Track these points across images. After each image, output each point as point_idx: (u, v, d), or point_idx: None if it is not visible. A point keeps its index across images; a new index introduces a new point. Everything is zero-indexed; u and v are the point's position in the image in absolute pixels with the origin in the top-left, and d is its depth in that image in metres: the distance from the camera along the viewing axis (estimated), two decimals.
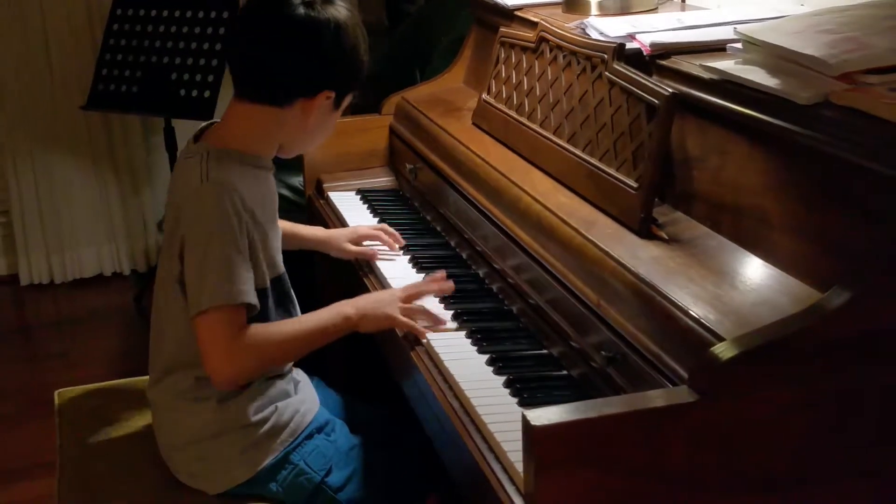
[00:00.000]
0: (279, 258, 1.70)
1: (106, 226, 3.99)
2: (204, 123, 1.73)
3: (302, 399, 1.74)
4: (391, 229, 1.99)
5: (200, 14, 3.28)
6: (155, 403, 1.73)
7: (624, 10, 1.97)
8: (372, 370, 2.08)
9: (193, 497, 1.69)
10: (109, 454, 1.81)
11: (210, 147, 1.63)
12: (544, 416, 1.11)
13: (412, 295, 1.71)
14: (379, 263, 1.93)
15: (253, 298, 1.58)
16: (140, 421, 1.86)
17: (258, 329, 1.61)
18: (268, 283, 1.65)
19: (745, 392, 1.12)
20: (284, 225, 1.89)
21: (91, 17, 3.71)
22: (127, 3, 3.40)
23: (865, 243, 1.17)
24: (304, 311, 1.73)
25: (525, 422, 1.11)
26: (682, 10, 2.06)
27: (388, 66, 3.17)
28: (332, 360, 2.38)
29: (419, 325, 1.65)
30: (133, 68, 3.35)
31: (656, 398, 1.14)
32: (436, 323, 1.66)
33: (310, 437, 1.71)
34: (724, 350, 1.13)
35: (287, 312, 1.71)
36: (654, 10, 2.00)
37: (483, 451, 1.33)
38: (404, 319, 1.66)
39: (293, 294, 1.75)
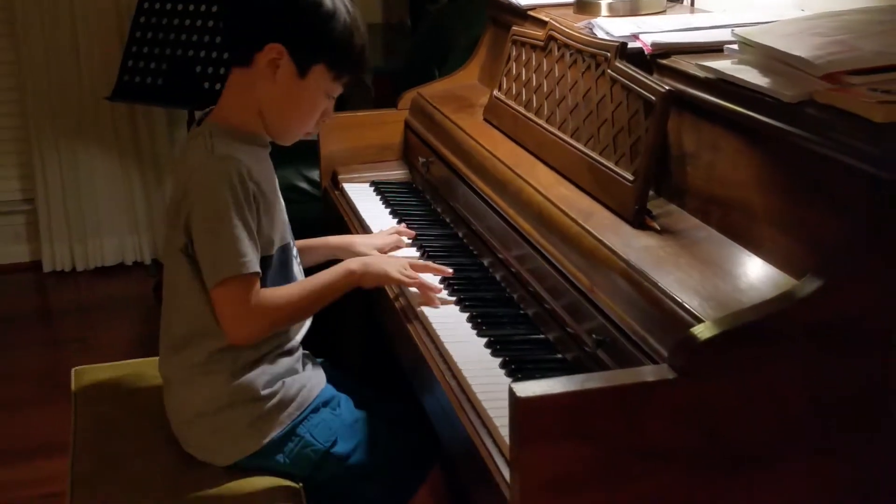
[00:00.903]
0: (287, 227, 1.82)
1: (128, 215, 4.11)
2: (206, 109, 1.83)
3: (309, 375, 1.84)
4: (407, 230, 2.07)
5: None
6: (167, 378, 1.82)
7: (633, 12, 2.05)
8: (385, 363, 2.16)
9: (204, 471, 1.77)
10: (123, 431, 1.89)
11: (212, 125, 1.73)
12: (530, 388, 1.19)
13: (416, 265, 1.83)
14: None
15: (256, 267, 1.69)
16: (154, 398, 1.95)
17: (269, 292, 1.72)
18: (273, 251, 1.75)
19: (721, 371, 1.20)
20: (307, 241, 1.99)
21: (119, 8, 3.83)
22: None
23: (840, 235, 1.25)
24: None
25: (512, 394, 1.19)
26: (691, 12, 2.15)
27: (409, 64, 3.27)
28: (348, 347, 2.48)
29: (414, 287, 1.77)
30: (159, 61, 3.46)
31: (636, 374, 1.22)
32: (433, 290, 1.78)
33: (316, 410, 1.81)
34: (701, 331, 1.21)
35: (285, 280, 1.79)
36: (662, 12, 2.08)
37: (476, 426, 1.42)
38: (399, 276, 1.78)
39: (295, 265, 1.85)
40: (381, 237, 2.05)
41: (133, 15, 3.55)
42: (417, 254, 1.99)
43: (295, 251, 1.88)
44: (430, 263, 1.86)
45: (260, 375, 1.75)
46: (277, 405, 1.76)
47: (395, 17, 3.96)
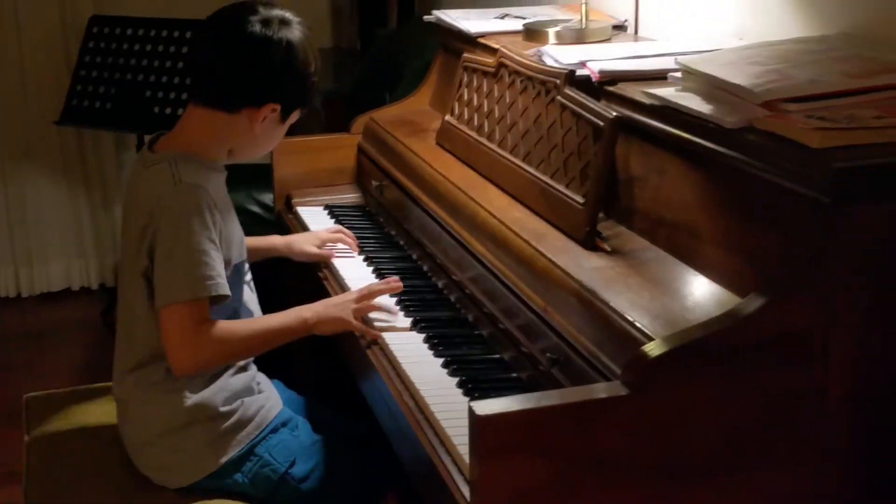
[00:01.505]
0: (241, 246, 1.88)
1: (75, 240, 4.10)
2: (154, 134, 1.89)
3: (267, 396, 1.88)
4: (348, 231, 2.18)
5: (175, 34, 3.42)
6: (124, 400, 1.84)
7: (579, 40, 2.12)
8: (337, 378, 2.20)
9: (159, 495, 1.80)
10: (76, 457, 1.91)
11: (175, 153, 1.78)
12: (488, 406, 1.24)
13: (364, 296, 1.86)
14: (336, 263, 2.10)
15: (226, 289, 1.74)
16: (107, 424, 1.96)
17: (221, 324, 1.76)
18: (230, 268, 1.80)
19: (671, 387, 1.26)
20: (249, 239, 2.03)
21: (66, 33, 3.84)
22: (102, 22, 3.54)
23: (781, 255, 1.32)
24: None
25: (471, 412, 1.24)
26: (635, 41, 2.22)
27: (359, 88, 3.32)
28: (298, 366, 2.51)
29: (373, 326, 1.81)
30: (108, 85, 3.48)
31: (590, 391, 1.28)
32: (388, 317, 1.83)
33: (274, 430, 1.85)
34: (651, 349, 1.27)
35: (233, 298, 1.82)
36: (607, 40, 2.15)
37: (435, 446, 1.47)
38: (356, 323, 1.82)
39: (247, 289, 1.90)
40: (322, 233, 2.16)
41: (82, 39, 3.56)
42: (373, 276, 2.03)
43: (248, 276, 1.92)
44: (379, 285, 1.88)
45: (218, 392, 1.79)
46: (236, 424, 1.79)
47: (346, 41, 4.01)
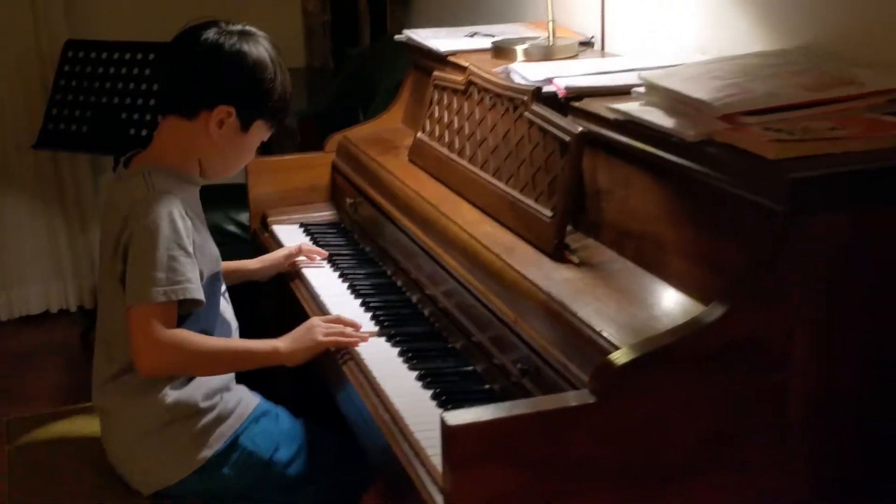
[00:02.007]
0: (215, 260, 1.91)
1: (53, 263, 4.10)
2: (128, 154, 1.93)
3: (244, 390, 1.94)
4: (311, 245, 2.25)
5: (150, 57, 3.44)
6: (106, 409, 1.88)
7: (547, 57, 2.16)
8: (316, 393, 2.22)
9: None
10: (60, 478, 1.93)
11: (149, 165, 1.84)
12: (460, 417, 1.27)
13: (334, 333, 1.85)
14: (307, 274, 2.15)
15: (199, 294, 1.78)
16: (90, 444, 1.97)
17: (188, 333, 1.79)
18: (203, 281, 1.83)
19: (637, 394, 1.30)
20: (227, 264, 2.08)
21: (42, 57, 3.85)
22: (78, 46, 3.55)
23: (741, 263, 1.36)
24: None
25: (443, 423, 1.27)
26: (602, 57, 2.27)
27: (333, 107, 3.35)
28: (278, 381, 2.52)
29: (344, 338, 1.84)
30: (83, 108, 3.50)
31: (559, 400, 1.31)
32: (356, 328, 1.86)
33: (255, 420, 1.90)
34: (618, 357, 1.30)
35: (209, 310, 1.86)
36: (574, 56, 2.19)
37: (409, 457, 1.49)
38: (328, 339, 1.84)
39: (223, 301, 1.94)
40: (285, 248, 2.22)
41: (57, 63, 3.58)
42: (349, 293, 2.06)
43: (223, 287, 1.95)
44: (346, 324, 1.89)
45: (197, 389, 1.84)
46: (217, 418, 1.85)
47: (318, 60, 4.04)
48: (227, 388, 1.89)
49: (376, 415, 1.62)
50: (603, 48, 2.35)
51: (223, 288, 1.96)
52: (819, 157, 1.34)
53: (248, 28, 1.90)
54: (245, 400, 1.91)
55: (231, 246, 2.71)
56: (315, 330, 1.86)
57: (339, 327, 1.86)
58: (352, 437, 1.90)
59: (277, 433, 1.91)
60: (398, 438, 1.55)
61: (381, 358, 1.78)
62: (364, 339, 1.84)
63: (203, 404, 1.83)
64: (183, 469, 1.83)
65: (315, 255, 2.22)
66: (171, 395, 1.81)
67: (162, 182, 1.82)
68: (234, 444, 1.86)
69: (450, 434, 1.25)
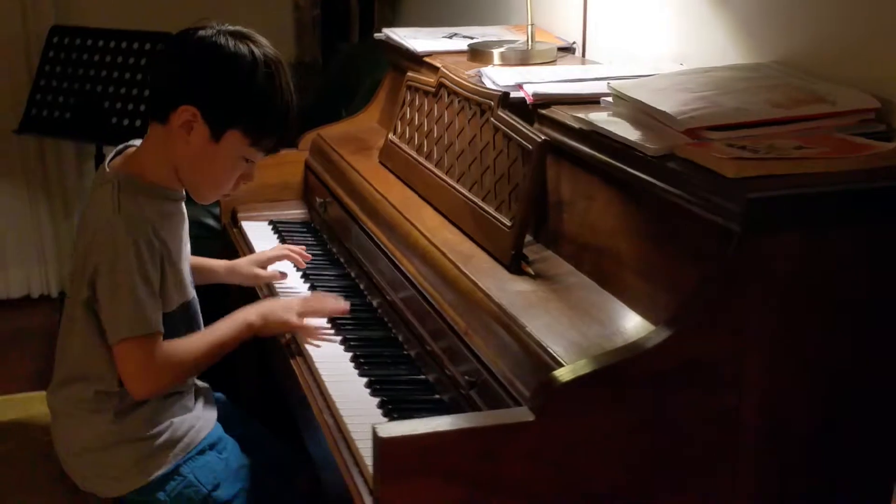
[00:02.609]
0: (189, 283, 1.81)
1: (36, 248, 4.06)
2: (120, 146, 1.82)
3: (198, 416, 1.83)
4: (295, 247, 2.12)
5: (135, 45, 3.39)
6: (55, 411, 1.82)
7: (524, 62, 2.11)
8: (279, 398, 2.17)
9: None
10: (10, 465, 1.90)
11: (121, 175, 1.71)
12: (392, 429, 1.22)
13: (309, 312, 1.83)
14: (278, 287, 2.06)
15: (160, 326, 1.69)
16: (44, 433, 1.93)
17: (171, 348, 1.71)
18: (174, 307, 1.73)
19: (577, 414, 1.24)
20: (194, 260, 1.97)
21: (28, 42, 3.79)
22: (63, 32, 3.50)
23: (694, 285, 1.30)
24: None
25: (374, 434, 1.22)
26: (582, 63, 2.21)
27: (317, 103, 3.30)
28: (244, 381, 2.48)
29: (310, 336, 1.80)
30: (67, 95, 3.44)
31: (497, 416, 1.26)
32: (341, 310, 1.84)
33: (202, 452, 1.81)
34: (560, 375, 1.25)
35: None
36: (552, 62, 2.14)
37: (349, 465, 1.44)
38: (300, 322, 1.80)
39: (201, 318, 1.86)
40: (266, 252, 2.11)
41: (42, 48, 3.53)
42: (309, 293, 2.01)
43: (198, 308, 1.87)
44: (326, 304, 1.86)
45: (146, 416, 1.75)
46: (164, 445, 1.76)
47: (308, 55, 3.99)
48: (182, 411, 1.80)
49: (321, 418, 1.58)
50: (584, 55, 2.30)
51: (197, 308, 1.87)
52: (780, 178, 1.29)
53: (244, 30, 1.71)
54: (196, 428, 1.81)
55: (207, 240, 2.67)
56: (291, 311, 1.81)
57: (317, 308, 1.83)
58: (302, 457, 1.85)
59: (221, 470, 1.81)
60: (339, 445, 1.50)
61: (333, 361, 1.73)
62: (343, 310, 1.83)
63: (151, 431, 1.74)
64: (120, 488, 1.75)
65: (295, 259, 2.10)
66: (118, 420, 1.73)
67: (130, 200, 1.67)
68: (174, 471, 1.76)
69: (381, 446, 1.20)
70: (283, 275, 2.07)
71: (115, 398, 1.74)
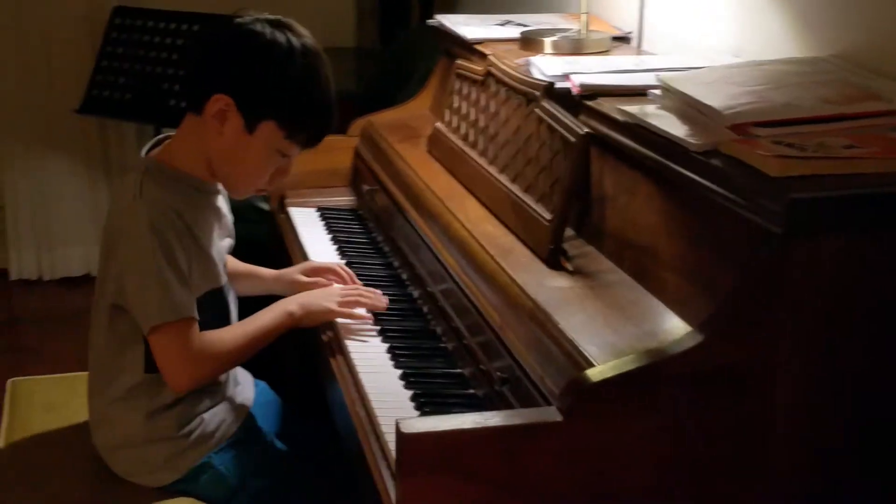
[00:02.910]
0: (220, 272, 1.76)
1: (95, 226, 4.11)
2: (159, 136, 1.81)
3: (231, 407, 1.81)
4: (346, 269, 1.97)
5: (196, 27, 3.41)
6: (91, 405, 1.81)
7: (575, 51, 2.06)
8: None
9: (125, 489, 1.76)
10: (50, 444, 1.90)
11: (149, 162, 1.70)
12: (415, 425, 1.20)
13: (351, 295, 1.81)
14: (311, 256, 2.05)
15: (194, 312, 1.66)
16: (85, 413, 1.95)
17: (209, 337, 1.69)
18: (201, 293, 1.70)
19: (605, 416, 1.21)
20: (243, 267, 1.97)
21: (93, 23, 3.84)
22: (126, 13, 3.54)
23: (732, 287, 1.26)
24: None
25: (397, 429, 1.20)
26: (637, 54, 2.16)
27: (372, 89, 3.29)
28: (287, 368, 2.48)
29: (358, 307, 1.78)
30: (127, 76, 3.48)
31: (522, 415, 1.24)
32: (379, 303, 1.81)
33: (234, 444, 1.79)
34: (589, 375, 1.22)
35: (222, 323, 1.77)
36: (605, 52, 2.09)
37: (377, 458, 1.42)
38: (343, 309, 1.77)
39: (233, 309, 1.84)
40: (314, 262, 2.01)
41: (105, 29, 3.57)
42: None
43: (232, 295, 1.84)
44: (364, 295, 1.83)
45: (178, 416, 1.73)
46: (196, 441, 1.74)
47: (368, 41, 3.98)
48: (213, 405, 1.77)
49: (353, 410, 1.56)
50: (640, 45, 2.25)
51: (232, 297, 1.84)
52: (826, 178, 1.24)
53: (283, 19, 1.68)
54: (228, 421, 1.79)
55: (260, 224, 2.67)
56: (332, 299, 1.79)
57: (356, 296, 1.80)
58: (337, 450, 1.83)
59: (252, 462, 1.79)
60: (370, 437, 1.48)
61: (369, 352, 1.71)
62: (381, 307, 1.80)
63: (181, 432, 1.72)
64: (154, 480, 1.74)
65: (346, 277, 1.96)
66: (148, 420, 1.71)
67: (154, 187, 1.64)
68: (207, 464, 1.75)
69: (402, 441, 1.19)
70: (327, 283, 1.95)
71: (145, 397, 1.72)
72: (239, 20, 1.68)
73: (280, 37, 1.65)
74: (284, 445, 1.88)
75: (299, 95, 1.67)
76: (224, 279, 1.79)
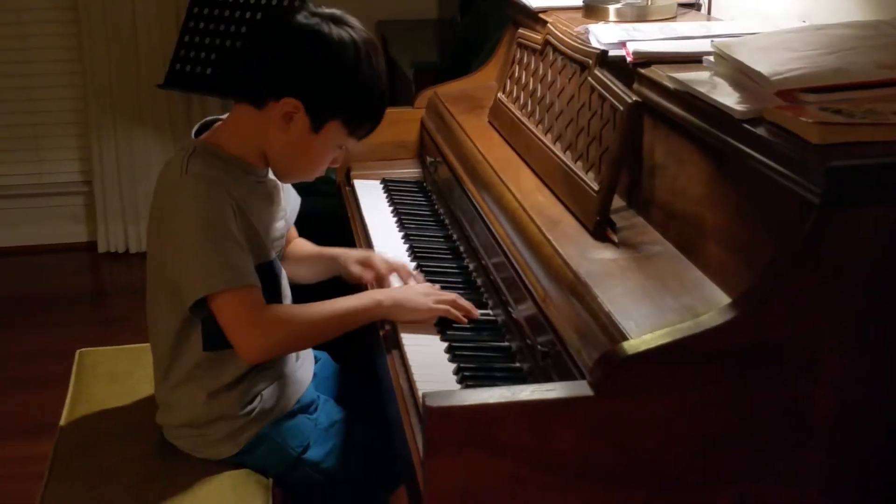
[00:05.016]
0: (268, 246, 1.76)
1: None
2: (208, 118, 1.81)
3: (291, 383, 1.83)
4: (412, 270, 1.91)
5: (274, 2, 3.45)
6: (157, 390, 1.84)
7: (640, 18, 2.03)
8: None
9: (179, 459, 1.81)
10: (111, 414, 1.96)
11: (200, 143, 1.71)
12: (441, 398, 1.21)
13: (448, 297, 1.74)
14: (370, 225, 2.07)
15: (255, 280, 1.65)
16: (146, 384, 1.99)
17: (282, 308, 1.71)
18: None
19: (638, 390, 1.20)
20: (313, 250, 1.98)
21: None
22: None
23: (771, 258, 1.23)
24: None
25: (423, 402, 1.21)
26: (707, 20, 2.11)
27: (448, 60, 3.29)
28: (356, 346, 2.51)
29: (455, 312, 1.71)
30: (209, 51, 3.54)
31: (552, 389, 1.23)
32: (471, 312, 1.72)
33: (292, 415, 1.82)
34: (622, 349, 1.21)
35: (271, 298, 1.76)
36: (672, 18, 2.05)
37: (415, 431, 1.44)
38: (442, 307, 1.70)
39: (285, 285, 1.84)
40: (375, 256, 1.94)
41: (188, 3, 3.65)
42: (406, 254, 2.01)
43: (283, 272, 1.84)
44: (461, 302, 1.74)
45: (239, 396, 1.75)
46: (256, 418, 1.77)
47: (448, 12, 3.97)
48: (272, 380, 1.78)
49: (396, 383, 1.58)
50: (709, 12, 2.19)
51: (283, 274, 1.84)
52: (870, 145, 1.20)
53: (336, 12, 1.70)
54: (287, 394, 1.80)
55: (333, 197, 2.70)
56: (430, 295, 1.73)
57: (452, 300, 1.73)
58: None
59: (310, 430, 1.82)
60: (410, 411, 1.49)
61: (417, 324, 1.72)
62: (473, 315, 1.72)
63: (242, 411, 1.75)
64: (214, 453, 1.78)
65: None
66: (210, 401, 1.74)
67: (200, 165, 1.65)
68: (264, 437, 1.77)
69: (429, 415, 1.20)
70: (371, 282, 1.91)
71: (207, 377, 1.74)
72: (302, 20, 1.67)
73: (345, 36, 1.66)
74: (342, 413, 1.90)
75: (365, 96, 1.71)
76: (273, 254, 1.80)
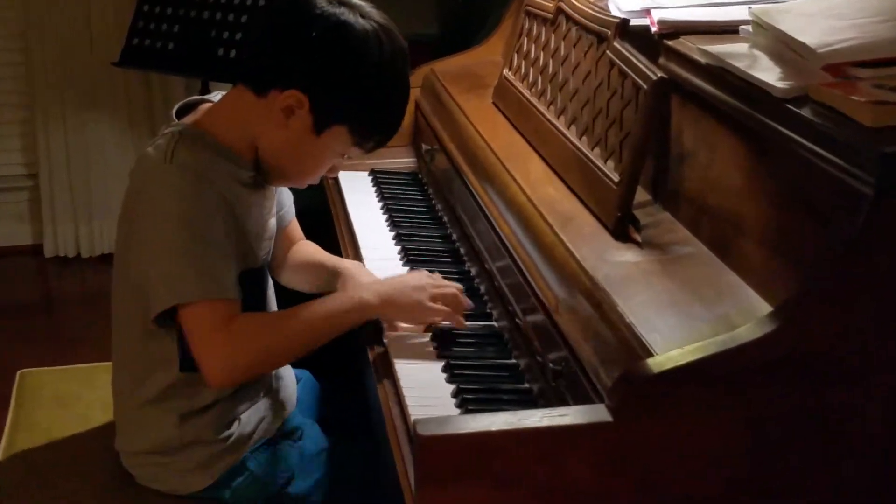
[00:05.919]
0: (260, 255, 1.77)
1: None
2: (191, 98, 1.81)
3: (272, 404, 1.83)
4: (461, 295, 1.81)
5: None
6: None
7: None
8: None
9: (144, 497, 1.80)
10: (60, 443, 1.95)
11: (189, 126, 1.69)
12: (434, 425, 1.21)
13: (441, 294, 1.73)
14: (356, 225, 2.07)
15: (235, 292, 1.64)
16: (99, 408, 2.00)
17: (252, 317, 1.68)
18: (237, 272, 1.68)
19: (663, 414, 1.20)
20: (315, 258, 1.96)
21: None
22: None
23: (816, 258, 1.23)
24: None
25: (414, 430, 1.21)
26: None
27: (446, 31, 3.29)
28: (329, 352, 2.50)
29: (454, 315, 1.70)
30: (171, 22, 3.53)
31: (565, 415, 1.22)
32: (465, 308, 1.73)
33: (271, 442, 1.83)
34: (645, 367, 1.20)
35: (258, 308, 1.78)
36: None
37: (407, 463, 1.43)
38: (437, 306, 1.69)
39: (271, 294, 1.85)
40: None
41: None
42: (398, 257, 2.01)
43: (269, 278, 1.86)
44: (461, 298, 1.75)
45: (214, 419, 1.75)
46: (233, 444, 1.77)
47: None
48: (252, 403, 1.79)
49: (385, 406, 1.58)
50: None
51: (269, 282, 1.85)
52: None
53: (364, 6, 1.68)
54: (267, 419, 1.81)
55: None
56: (425, 289, 1.71)
57: (453, 293, 1.72)
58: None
59: (295, 460, 1.82)
60: (401, 439, 1.49)
61: (409, 339, 1.72)
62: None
63: (218, 436, 1.75)
64: (183, 487, 1.77)
65: None
66: (183, 423, 1.73)
67: (187, 152, 1.64)
68: (241, 466, 1.77)
69: (418, 445, 1.20)
70: None
71: (181, 398, 1.73)
72: (326, 8, 1.65)
73: (370, 32, 1.64)
74: (330, 440, 1.91)
75: (381, 106, 1.71)
76: (261, 260, 1.80)
